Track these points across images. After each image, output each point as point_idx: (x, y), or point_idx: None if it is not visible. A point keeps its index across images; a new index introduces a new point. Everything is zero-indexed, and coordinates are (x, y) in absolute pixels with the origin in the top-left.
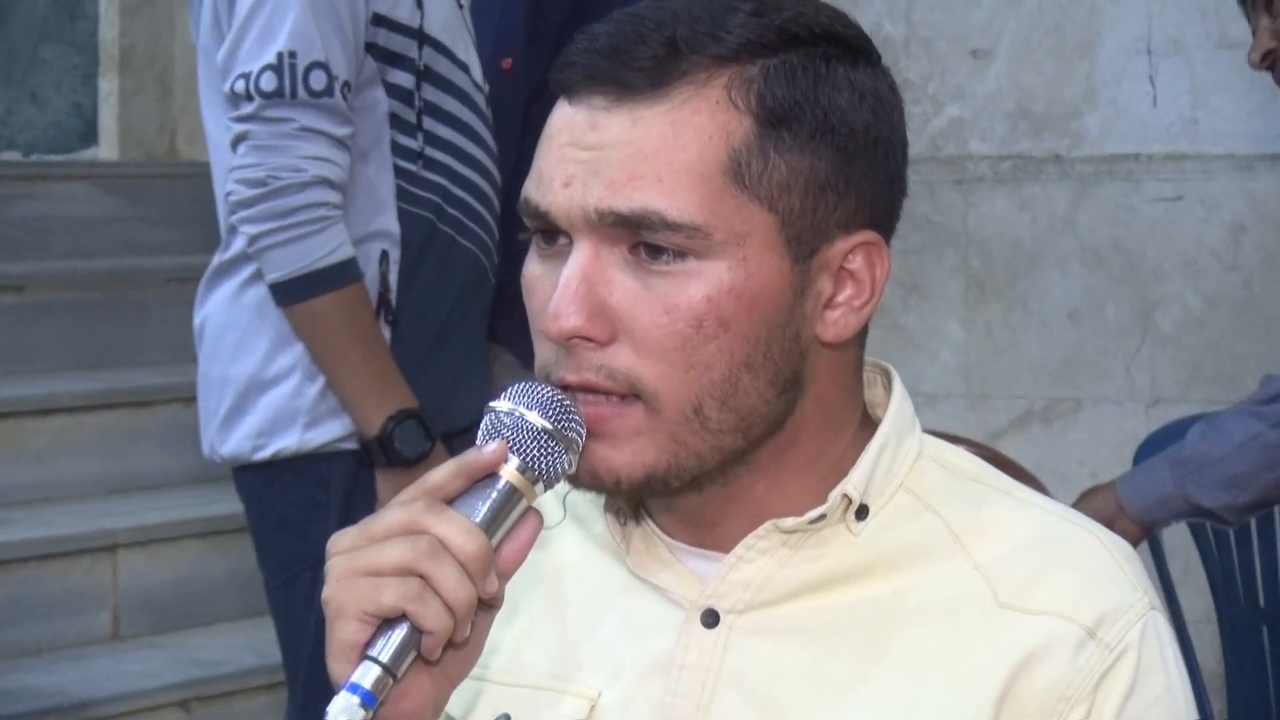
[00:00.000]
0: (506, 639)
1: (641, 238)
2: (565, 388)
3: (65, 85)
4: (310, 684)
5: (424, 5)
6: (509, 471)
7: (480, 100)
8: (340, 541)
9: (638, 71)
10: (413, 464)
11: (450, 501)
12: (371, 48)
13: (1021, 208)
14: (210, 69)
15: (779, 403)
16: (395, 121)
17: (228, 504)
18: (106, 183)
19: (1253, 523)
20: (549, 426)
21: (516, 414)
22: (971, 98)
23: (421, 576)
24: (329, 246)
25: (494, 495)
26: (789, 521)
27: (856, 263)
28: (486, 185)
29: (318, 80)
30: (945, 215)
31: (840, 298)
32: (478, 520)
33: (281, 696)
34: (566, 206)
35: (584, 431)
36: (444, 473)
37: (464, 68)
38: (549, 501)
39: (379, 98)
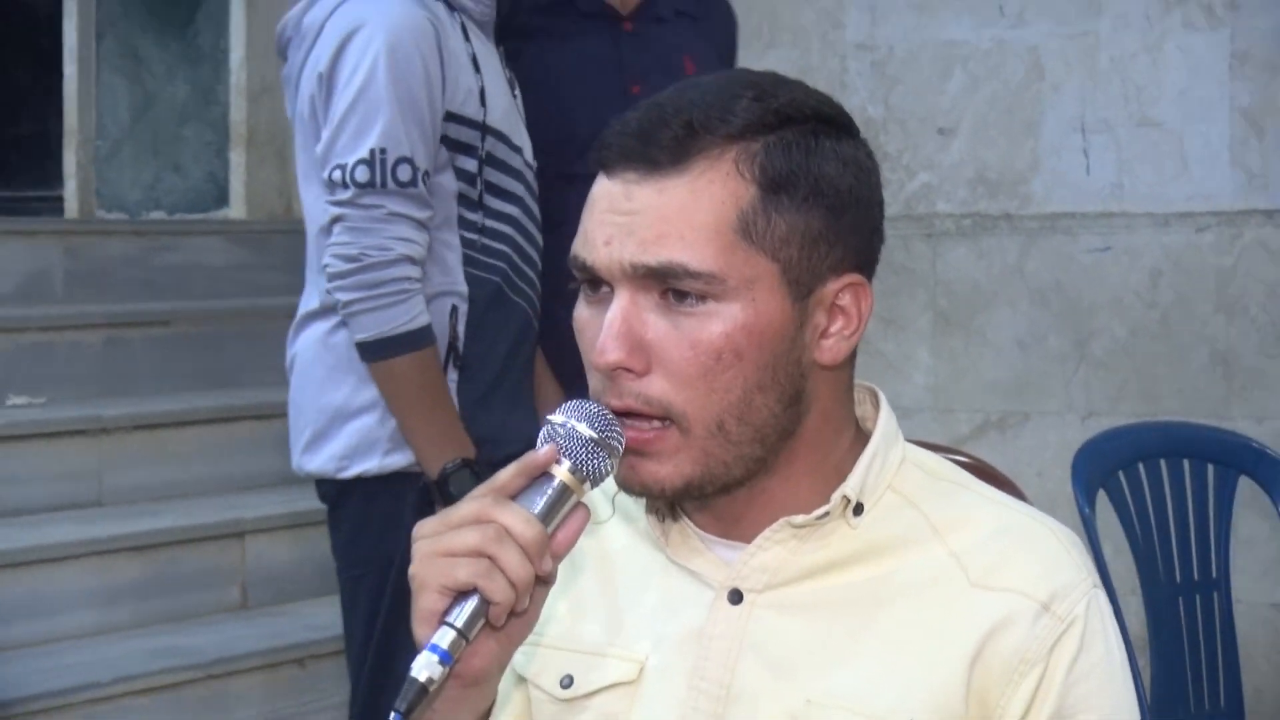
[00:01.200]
0: (559, 611)
1: (669, 285)
2: (611, 411)
3: (202, 158)
4: (377, 665)
5: (487, 102)
6: (562, 472)
7: (530, 176)
8: (424, 528)
9: (662, 150)
10: None
11: (514, 496)
12: (444, 139)
13: (980, 256)
14: (307, 146)
15: (786, 416)
16: (462, 199)
17: None
18: (235, 237)
19: (1169, 510)
20: (595, 436)
21: (569, 425)
22: (939, 167)
23: (490, 557)
24: (409, 315)
25: (550, 491)
26: (799, 518)
27: (846, 300)
28: (532, 250)
29: (404, 173)
30: (917, 262)
31: (833, 329)
32: (536, 512)
33: None
34: (607, 261)
35: (624, 441)
36: (508, 472)
37: (518, 150)
38: (601, 501)
39: (450, 180)
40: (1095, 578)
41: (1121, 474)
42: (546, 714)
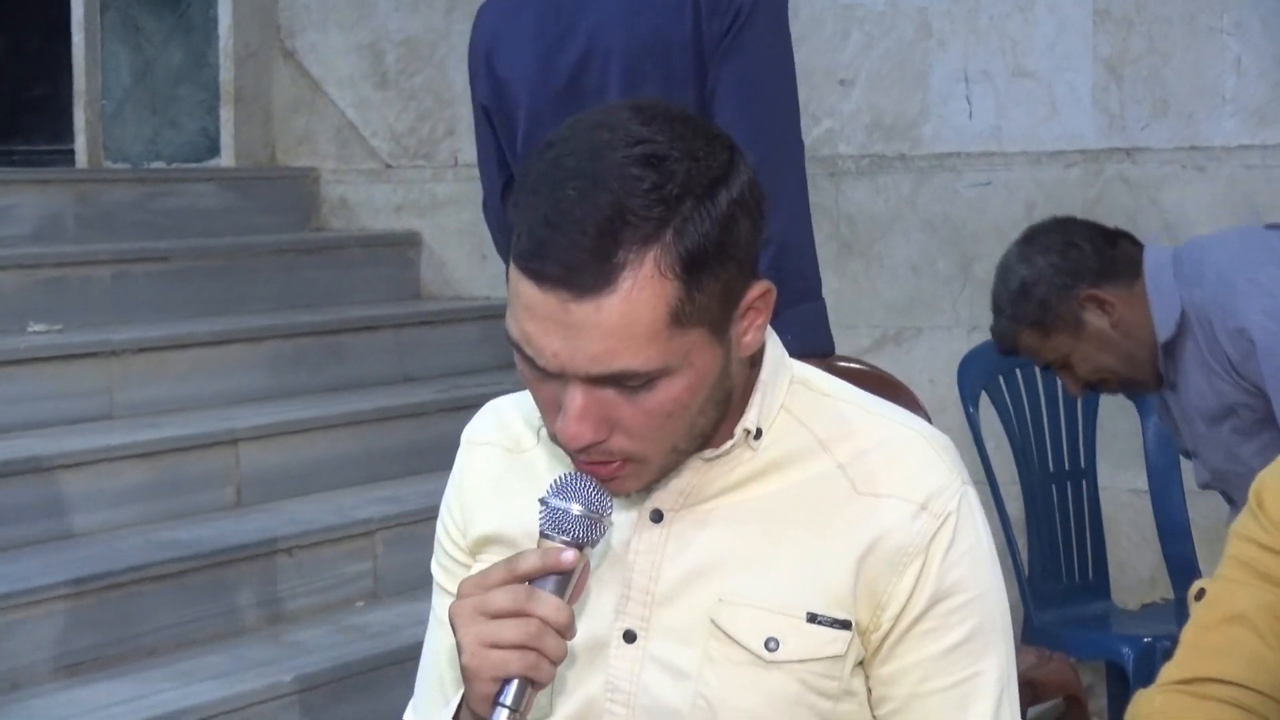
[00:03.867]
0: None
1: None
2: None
3: (196, 114)
4: None
5: None
6: (572, 554)
7: None
8: (465, 587)
9: (589, 275)
10: None
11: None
12: None
13: (877, 192)
14: None
15: (720, 410)
16: None
17: (315, 410)
18: (226, 183)
19: (1043, 409)
20: (588, 513)
21: (564, 508)
22: (840, 114)
23: (535, 650)
24: None
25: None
26: (709, 452)
27: (756, 303)
28: None
29: None
30: (822, 198)
31: (749, 326)
32: (557, 591)
33: (352, 546)
34: (560, 367)
35: (611, 505)
36: (533, 563)
37: None
38: (524, 431)
39: None
40: (965, 476)
41: (1001, 379)
42: None
